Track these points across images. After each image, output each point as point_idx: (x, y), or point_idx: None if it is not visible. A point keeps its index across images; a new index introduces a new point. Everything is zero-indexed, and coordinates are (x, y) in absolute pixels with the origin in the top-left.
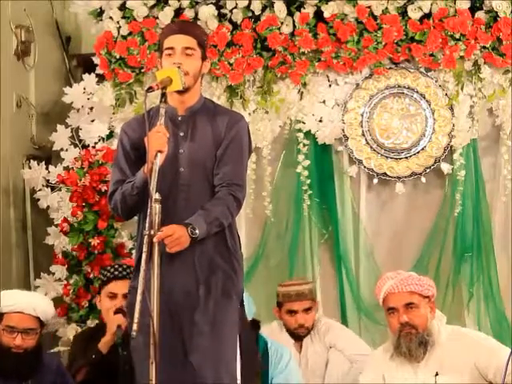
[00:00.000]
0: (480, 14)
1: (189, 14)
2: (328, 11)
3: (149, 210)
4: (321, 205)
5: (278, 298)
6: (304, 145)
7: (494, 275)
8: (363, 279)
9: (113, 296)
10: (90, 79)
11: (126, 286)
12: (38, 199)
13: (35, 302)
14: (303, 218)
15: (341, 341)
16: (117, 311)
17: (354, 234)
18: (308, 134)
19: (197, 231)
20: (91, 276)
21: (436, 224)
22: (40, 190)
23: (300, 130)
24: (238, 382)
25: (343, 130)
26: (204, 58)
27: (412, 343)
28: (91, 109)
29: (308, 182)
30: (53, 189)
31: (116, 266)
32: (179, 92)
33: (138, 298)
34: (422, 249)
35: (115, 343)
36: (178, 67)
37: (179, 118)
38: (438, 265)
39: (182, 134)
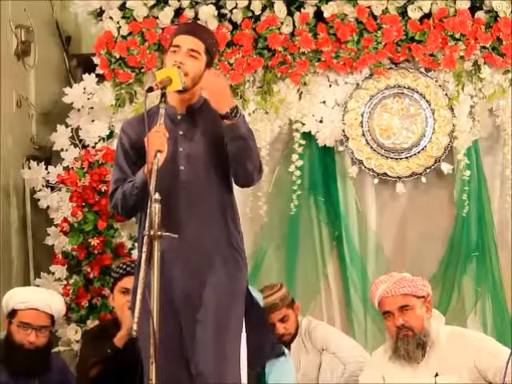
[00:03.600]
0: (480, 14)
1: (189, 13)
2: (328, 11)
3: (148, 210)
4: (324, 204)
5: None
6: (300, 145)
7: (497, 275)
8: (370, 278)
9: (126, 291)
10: (89, 79)
11: None
12: (38, 199)
13: (50, 300)
14: (302, 218)
15: (333, 343)
16: None
17: (359, 234)
18: (308, 135)
19: (239, 114)
20: (91, 276)
21: (440, 224)
22: (40, 190)
23: (300, 131)
24: (243, 381)
25: (343, 130)
26: (209, 65)
27: (409, 345)
28: (91, 109)
29: (299, 182)
30: (53, 189)
31: (128, 263)
32: (179, 91)
33: (138, 297)
34: (427, 250)
35: (131, 338)
36: (178, 67)
37: (178, 117)
38: (443, 265)
39: (181, 132)
